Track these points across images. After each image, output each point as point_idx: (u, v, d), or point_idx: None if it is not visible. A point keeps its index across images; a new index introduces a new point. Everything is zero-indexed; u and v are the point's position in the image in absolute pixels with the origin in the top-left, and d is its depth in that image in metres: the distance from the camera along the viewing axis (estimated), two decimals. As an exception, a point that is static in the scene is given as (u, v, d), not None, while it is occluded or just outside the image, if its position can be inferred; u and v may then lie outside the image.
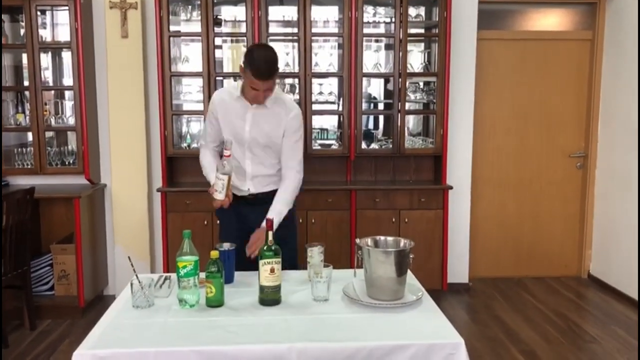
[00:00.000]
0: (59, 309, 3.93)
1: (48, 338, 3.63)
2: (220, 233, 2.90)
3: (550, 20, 4.76)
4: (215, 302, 2.07)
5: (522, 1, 4.66)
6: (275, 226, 2.44)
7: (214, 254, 2.08)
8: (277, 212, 2.57)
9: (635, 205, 4.20)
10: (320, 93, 4.35)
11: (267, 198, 2.70)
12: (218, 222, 2.94)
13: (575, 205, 4.87)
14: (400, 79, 4.15)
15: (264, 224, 2.31)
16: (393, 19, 4.18)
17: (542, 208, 4.84)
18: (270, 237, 2.10)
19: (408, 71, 4.18)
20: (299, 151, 2.73)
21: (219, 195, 2.52)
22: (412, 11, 4.21)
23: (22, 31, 4.02)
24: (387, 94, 4.49)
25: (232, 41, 4.39)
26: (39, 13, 3.99)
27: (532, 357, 3.37)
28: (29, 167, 4.12)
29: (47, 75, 4.28)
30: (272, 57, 2.50)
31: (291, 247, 2.71)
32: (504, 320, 3.94)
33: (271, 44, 4.13)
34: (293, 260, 2.71)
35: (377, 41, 4.47)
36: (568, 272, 4.91)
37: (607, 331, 3.76)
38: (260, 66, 2.44)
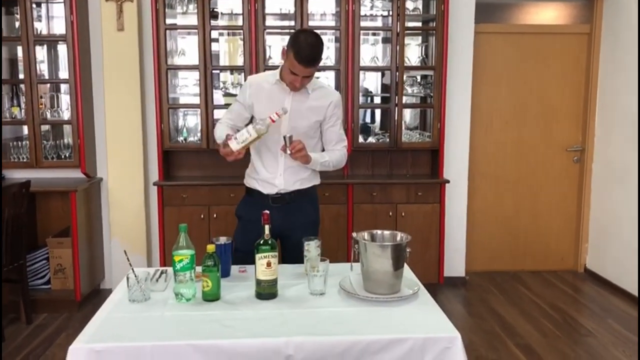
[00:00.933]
0: (55, 303, 3.93)
1: (44, 332, 3.62)
2: (237, 232, 2.74)
3: (548, 14, 4.75)
4: (211, 296, 2.07)
5: (519, -6, 4.66)
6: (313, 161, 2.51)
7: (210, 247, 2.07)
8: (316, 156, 2.56)
9: (632, 199, 4.20)
10: (317, 86, 4.33)
11: (292, 199, 2.65)
12: (237, 224, 2.78)
13: (572, 199, 4.87)
14: (397, 73, 4.14)
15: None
16: (390, 12, 4.16)
17: (538, 202, 4.85)
18: (267, 232, 2.10)
19: (405, 65, 4.17)
20: (342, 134, 2.72)
21: (236, 145, 2.37)
22: (409, 4, 4.20)
23: (17, 24, 4.00)
24: (384, 87, 4.48)
25: (228, 34, 4.37)
26: (34, 5, 3.96)
27: (528, 351, 3.38)
28: (24, 160, 4.11)
29: (43, 68, 4.26)
30: (318, 44, 2.44)
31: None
32: (501, 314, 3.95)
33: (267, 37, 4.14)
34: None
35: (374, 34, 4.45)
36: (564, 265, 4.92)
37: (602, 324, 3.78)
38: (304, 51, 2.37)
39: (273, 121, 2.37)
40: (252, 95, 2.63)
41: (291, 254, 2.63)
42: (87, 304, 4.02)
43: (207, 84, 4.04)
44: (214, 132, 2.76)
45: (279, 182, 2.64)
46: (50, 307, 3.92)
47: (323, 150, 2.73)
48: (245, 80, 3.15)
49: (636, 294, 4.13)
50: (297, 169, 2.63)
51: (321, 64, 4.15)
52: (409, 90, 4.34)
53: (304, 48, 2.38)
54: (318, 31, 4.21)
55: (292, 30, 4.11)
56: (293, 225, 2.61)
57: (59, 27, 4.14)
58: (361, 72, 4.22)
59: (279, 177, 2.63)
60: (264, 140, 2.53)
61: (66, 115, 4.17)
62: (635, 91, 4.16)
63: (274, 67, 4.08)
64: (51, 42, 4.22)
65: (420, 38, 4.49)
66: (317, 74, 4.27)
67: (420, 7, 4.36)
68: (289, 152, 2.43)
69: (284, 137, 2.44)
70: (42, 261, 4.09)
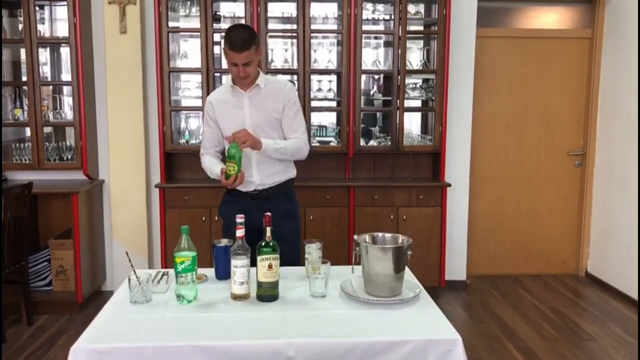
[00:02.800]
0: (57, 304, 3.93)
1: (46, 333, 3.63)
2: (223, 230, 2.86)
3: (550, 18, 4.76)
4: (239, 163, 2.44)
5: (521, -1, 4.67)
6: (265, 146, 2.58)
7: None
8: (268, 142, 2.63)
9: (633, 204, 4.20)
10: (319, 90, 4.34)
11: (270, 194, 2.74)
12: (222, 223, 2.88)
13: (574, 203, 4.87)
14: (399, 76, 4.15)
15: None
16: (392, 16, 4.17)
17: (540, 206, 4.85)
18: (269, 233, 2.10)
19: (407, 68, 4.18)
20: (301, 122, 2.76)
21: (233, 170, 2.50)
22: (411, 8, 4.21)
23: (21, 26, 4.01)
24: (386, 91, 4.48)
25: (231, 37, 4.37)
26: (37, 8, 3.98)
27: (529, 354, 3.38)
28: (26, 162, 4.12)
29: (46, 70, 4.27)
30: (246, 29, 2.60)
31: (294, 246, 2.72)
32: (501, 318, 3.95)
33: (270, 40, 4.16)
34: (295, 260, 2.67)
35: (376, 38, 4.46)
36: (566, 270, 4.92)
37: (603, 328, 3.77)
38: (233, 38, 2.52)
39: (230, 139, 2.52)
40: (216, 112, 2.74)
41: None
42: (88, 305, 4.03)
43: (209, 87, 4.05)
44: (202, 165, 2.84)
45: (255, 178, 2.73)
46: (52, 309, 3.92)
47: None
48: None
49: (637, 297, 4.13)
50: (270, 163, 2.73)
51: (323, 67, 4.26)
52: (411, 93, 4.35)
53: (233, 36, 2.53)
54: (320, 34, 4.32)
55: (295, 34, 4.13)
56: (272, 219, 2.60)
57: (62, 29, 4.16)
58: (363, 76, 4.23)
59: (255, 173, 2.73)
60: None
61: (69, 117, 4.19)
62: (637, 96, 4.16)
63: (276, 71, 4.15)
64: (54, 44, 4.24)
65: (422, 42, 4.50)
66: (319, 77, 4.33)
67: (422, 11, 4.37)
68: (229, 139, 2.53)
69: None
70: (44, 263, 4.09)
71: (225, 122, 2.71)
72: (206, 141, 2.83)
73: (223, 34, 4.25)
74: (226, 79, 4.23)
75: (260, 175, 2.74)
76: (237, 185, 2.58)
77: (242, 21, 4.07)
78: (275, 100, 2.71)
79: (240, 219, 2.12)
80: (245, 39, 2.53)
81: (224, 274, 2.28)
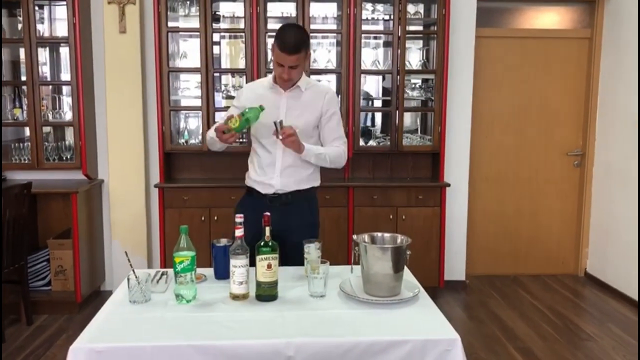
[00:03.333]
0: (56, 304, 3.93)
1: (45, 333, 3.63)
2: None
3: (549, 19, 4.76)
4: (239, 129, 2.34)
5: (520, -1, 4.67)
6: (306, 150, 2.51)
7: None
8: (311, 147, 2.55)
9: (633, 204, 4.21)
10: (319, 90, 4.34)
11: (290, 200, 2.65)
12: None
13: (573, 203, 4.88)
14: (398, 76, 4.15)
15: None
16: (392, 16, 4.17)
17: (539, 206, 4.85)
18: (268, 233, 2.10)
19: (406, 68, 4.18)
20: (340, 129, 2.70)
21: (236, 123, 2.40)
22: (410, 8, 4.21)
23: (20, 26, 4.01)
24: (385, 91, 4.48)
25: (230, 37, 4.38)
26: (36, 8, 3.98)
27: (528, 354, 3.38)
28: (26, 162, 4.12)
29: (45, 70, 4.27)
30: (300, 32, 2.52)
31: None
32: (501, 318, 3.95)
33: (269, 40, 4.15)
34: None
35: (375, 38, 4.46)
36: (565, 270, 4.92)
37: (603, 329, 3.77)
38: (286, 39, 2.44)
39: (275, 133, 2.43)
40: (247, 99, 2.64)
41: (289, 256, 2.60)
42: (87, 305, 4.03)
43: (209, 87, 4.05)
44: (208, 135, 2.72)
45: (275, 182, 2.64)
46: (51, 309, 3.92)
47: None
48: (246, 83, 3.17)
49: (637, 298, 4.13)
50: (295, 169, 2.63)
51: (322, 67, 4.26)
52: (410, 93, 4.35)
53: (286, 37, 2.46)
54: (319, 34, 4.32)
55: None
56: (290, 228, 2.57)
57: (61, 29, 4.16)
58: (362, 76, 4.23)
59: (276, 177, 2.63)
60: (261, 142, 2.62)
61: (68, 117, 4.19)
62: (636, 96, 4.16)
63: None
64: (53, 44, 4.24)
65: (421, 42, 4.50)
66: (318, 76, 4.33)
67: (422, 11, 4.37)
68: (280, 137, 2.44)
69: (275, 123, 2.44)
70: (43, 262, 4.09)
71: (258, 126, 2.58)
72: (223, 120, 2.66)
73: (223, 33, 4.32)
74: (227, 80, 4.24)
75: (281, 181, 2.64)
76: (229, 141, 2.47)
77: (242, 21, 4.07)
78: (314, 108, 2.62)
79: (239, 218, 2.12)
80: (299, 42, 2.46)
81: (223, 273, 2.28)
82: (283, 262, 2.59)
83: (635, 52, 4.17)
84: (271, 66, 4.08)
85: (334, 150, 2.65)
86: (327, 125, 2.66)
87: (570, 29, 4.74)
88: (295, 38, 2.45)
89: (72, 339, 1.83)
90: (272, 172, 2.64)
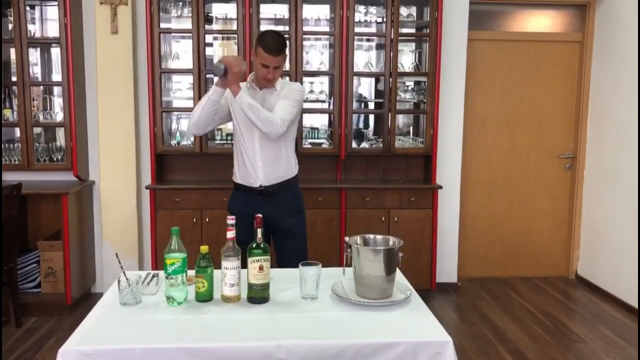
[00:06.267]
0: (46, 307, 3.90)
1: (34, 335, 3.60)
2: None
3: (541, 22, 4.78)
4: (206, 297, 2.07)
5: (513, 2, 4.68)
6: (241, 94, 2.66)
7: (204, 248, 2.07)
8: (246, 95, 2.70)
9: (623, 206, 4.23)
10: (311, 92, 4.35)
11: (276, 191, 2.89)
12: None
13: (564, 206, 4.90)
14: (391, 79, 4.16)
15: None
16: (384, 19, 4.18)
17: (530, 208, 4.87)
18: (259, 235, 2.10)
19: (399, 71, 4.19)
20: (287, 111, 2.78)
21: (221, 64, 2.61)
22: (403, 11, 4.22)
23: (11, 26, 3.98)
24: (378, 93, 4.49)
25: (222, 39, 4.37)
26: (27, 8, 3.96)
27: (519, 356, 3.39)
28: (16, 163, 4.09)
29: (36, 70, 4.25)
30: (281, 36, 2.80)
31: (300, 240, 2.95)
32: (492, 320, 3.96)
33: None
34: (302, 254, 2.83)
35: (368, 40, 4.47)
36: (556, 272, 4.94)
37: (593, 331, 3.79)
38: (270, 42, 2.71)
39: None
40: (227, 97, 2.82)
41: (281, 242, 2.93)
42: (77, 307, 4.00)
43: (201, 88, 4.04)
44: (194, 112, 2.83)
45: (260, 174, 2.87)
46: (41, 311, 3.89)
47: (296, 138, 3.06)
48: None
49: (628, 300, 4.15)
50: (273, 160, 2.87)
51: (315, 69, 4.26)
52: (403, 96, 4.36)
53: (270, 40, 2.72)
54: (312, 36, 4.32)
55: (287, 36, 4.11)
56: (279, 214, 2.88)
57: (52, 29, 4.14)
58: (355, 78, 4.23)
59: (259, 169, 2.86)
60: (243, 142, 2.86)
61: (59, 117, 4.16)
62: (628, 99, 4.19)
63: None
64: (44, 44, 4.21)
65: (413, 44, 4.51)
66: (310, 78, 4.33)
67: (414, 13, 4.38)
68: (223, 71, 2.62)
69: (216, 66, 2.63)
70: (33, 264, 4.06)
71: (236, 111, 2.85)
72: None
73: (215, 35, 4.32)
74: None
75: (265, 174, 2.87)
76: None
77: (234, 23, 4.07)
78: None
79: (231, 220, 2.11)
80: (282, 44, 2.75)
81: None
82: (276, 248, 2.94)
83: (626, 55, 4.20)
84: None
85: (269, 113, 2.75)
86: (279, 102, 2.81)
87: (561, 32, 4.77)
88: (278, 41, 2.74)
89: (61, 341, 1.81)
90: (254, 167, 2.87)
